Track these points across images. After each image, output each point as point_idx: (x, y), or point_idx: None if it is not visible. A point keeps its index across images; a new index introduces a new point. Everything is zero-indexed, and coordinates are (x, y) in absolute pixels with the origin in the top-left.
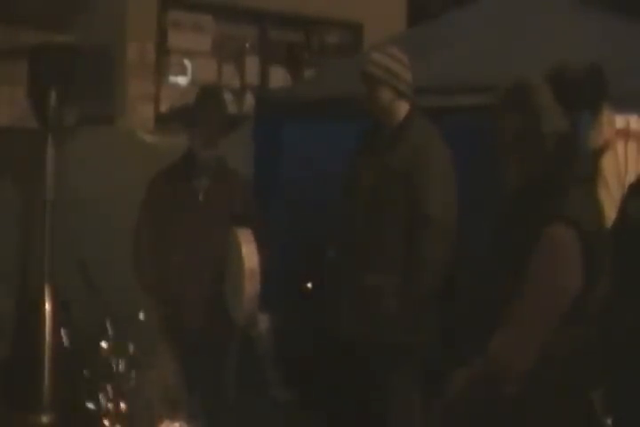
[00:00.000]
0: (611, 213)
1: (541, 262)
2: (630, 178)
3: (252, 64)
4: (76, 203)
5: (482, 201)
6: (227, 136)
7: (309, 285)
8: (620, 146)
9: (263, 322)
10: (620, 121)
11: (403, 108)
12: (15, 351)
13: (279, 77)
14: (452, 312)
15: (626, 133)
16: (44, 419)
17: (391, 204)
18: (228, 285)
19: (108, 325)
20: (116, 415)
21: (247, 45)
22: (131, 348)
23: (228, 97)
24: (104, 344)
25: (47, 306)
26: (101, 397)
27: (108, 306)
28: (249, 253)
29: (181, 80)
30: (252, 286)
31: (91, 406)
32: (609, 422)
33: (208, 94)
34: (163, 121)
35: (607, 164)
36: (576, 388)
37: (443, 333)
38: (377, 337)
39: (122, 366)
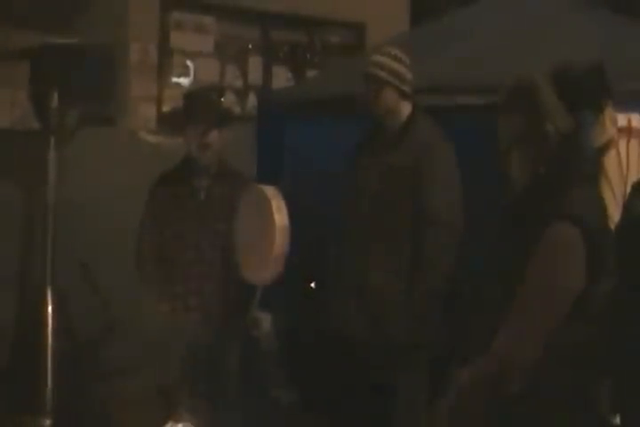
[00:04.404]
0: (614, 211)
1: (545, 261)
2: (633, 176)
3: (254, 64)
4: (79, 204)
5: (485, 201)
6: (224, 135)
7: (313, 284)
8: (622, 144)
9: (266, 322)
10: (621, 119)
11: (406, 109)
12: (17, 354)
13: (282, 78)
14: (457, 312)
15: (628, 132)
16: (46, 422)
17: (395, 203)
18: (243, 252)
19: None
20: None
21: (250, 46)
22: None
23: (229, 97)
24: None
25: (49, 308)
26: None
27: (110, 307)
28: (278, 209)
29: (184, 81)
30: (281, 243)
31: None
32: (614, 421)
33: (194, 98)
34: (165, 122)
35: (610, 162)
36: (580, 387)
37: (447, 332)
38: (381, 337)
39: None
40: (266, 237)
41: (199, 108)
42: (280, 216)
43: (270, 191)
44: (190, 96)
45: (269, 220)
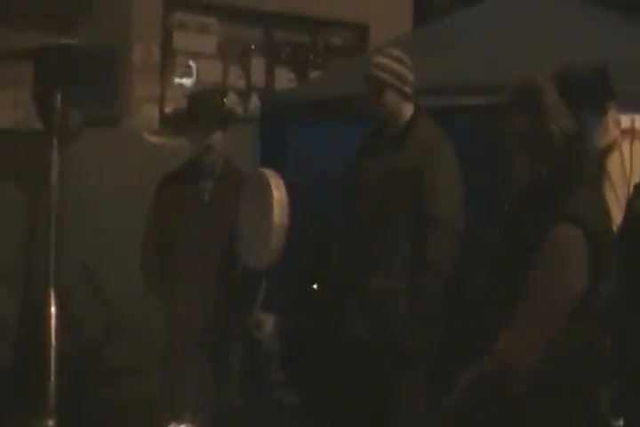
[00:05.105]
0: (616, 212)
1: (548, 262)
2: (636, 177)
3: (257, 65)
4: (81, 204)
5: (488, 202)
6: (227, 136)
7: (315, 286)
8: (625, 146)
9: (268, 323)
10: (625, 121)
11: (408, 110)
12: (20, 354)
13: (284, 78)
14: (460, 312)
15: (631, 133)
16: (50, 423)
17: (396, 204)
18: (244, 237)
19: None
20: None
21: (252, 47)
22: None
23: (232, 98)
24: None
25: (52, 309)
26: None
27: (112, 306)
28: (277, 185)
29: (186, 81)
30: (281, 217)
31: None
32: (616, 423)
33: (198, 99)
34: (167, 122)
35: (613, 163)
36: (583, 387)
37: (450, 333)
38: (382, 338)
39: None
40: (265, 214)
41: (203, 109)
42: (278, 191)
43: (268, 171)
44: (194, 97)
45: (268, 195)
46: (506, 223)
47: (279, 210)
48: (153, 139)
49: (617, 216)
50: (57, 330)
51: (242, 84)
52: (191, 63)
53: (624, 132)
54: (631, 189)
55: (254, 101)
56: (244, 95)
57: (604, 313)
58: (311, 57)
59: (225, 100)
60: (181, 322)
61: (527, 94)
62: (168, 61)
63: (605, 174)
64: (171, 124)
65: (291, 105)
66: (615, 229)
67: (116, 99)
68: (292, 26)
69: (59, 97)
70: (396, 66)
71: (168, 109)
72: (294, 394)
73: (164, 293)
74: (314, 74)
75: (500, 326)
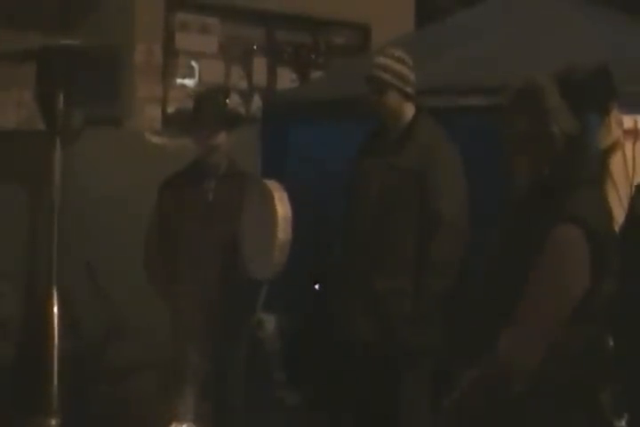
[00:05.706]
0: (618, 213)
1: (548, 262)
2: (638, 178)
3: (259, 65)
4: (84, 204)
5: (489, 202)
6: (232, 137)
7: (317, 286)
8: (627, 146)
9: (270, 323)
10: (627, 121)
11: (409, 110)
12: (22, 353)
13: (286, 79)
14: (462, 312)
15: (634, 134)
16: (53, 422)
17: (401, 205)
18: (246, 248)
19: None
20: None
21: (254, 47)
22: None
23: (234, 98)
24: None
25: (54, 308)
26: None
27: (115, 306)
28: (280, 200)
29: (189, 82)
30: (284, 232)
31: None
32: (618, 423)
33: (203, 100)
34: (170, 122)
35: (615, 164)
36: (584, 387)
37: (453, 333)
38: (389, 339)
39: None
40: (269, 228)
41: (208, 109)
42: (282, 207)
43: (272, 184)
44: (199, 98)
45: (272, 211)
46: (506, 223)
47: (283, 226)
48: (155, 139)
49: (619, 216)
50: (59, 330)
51: (244, 84)
52: (193, 63)
53: (626, 132)
54: (633, 189)
55: (256, 102)
56: (245, 95)
57: (605, 313)
58: (313, 57)
59: (227, 100)
60: (183, 322)
61: (529, 95)
62: (170, 62)
63: (608, 175)
64: (173, 124)
65: (292, 105)
66: (617, 229)
67: (119, 99)
68: (293, 26)
69: (61, 97)
70: (398, 66)
71: (170, 110)
72: (296, 394)
73: (167, 292)
74: (315, 74)
75: (500, 327)
